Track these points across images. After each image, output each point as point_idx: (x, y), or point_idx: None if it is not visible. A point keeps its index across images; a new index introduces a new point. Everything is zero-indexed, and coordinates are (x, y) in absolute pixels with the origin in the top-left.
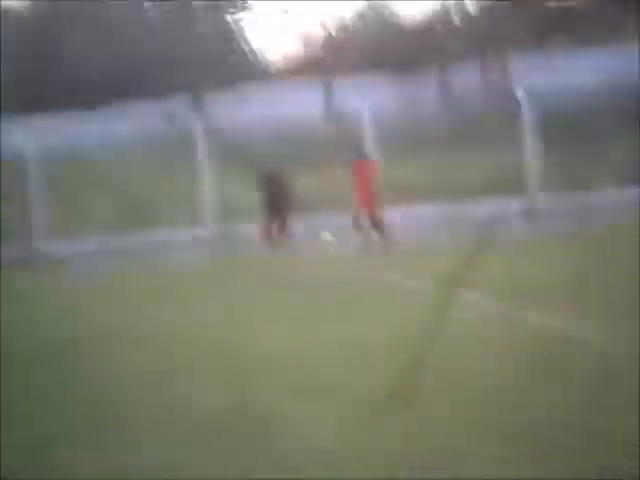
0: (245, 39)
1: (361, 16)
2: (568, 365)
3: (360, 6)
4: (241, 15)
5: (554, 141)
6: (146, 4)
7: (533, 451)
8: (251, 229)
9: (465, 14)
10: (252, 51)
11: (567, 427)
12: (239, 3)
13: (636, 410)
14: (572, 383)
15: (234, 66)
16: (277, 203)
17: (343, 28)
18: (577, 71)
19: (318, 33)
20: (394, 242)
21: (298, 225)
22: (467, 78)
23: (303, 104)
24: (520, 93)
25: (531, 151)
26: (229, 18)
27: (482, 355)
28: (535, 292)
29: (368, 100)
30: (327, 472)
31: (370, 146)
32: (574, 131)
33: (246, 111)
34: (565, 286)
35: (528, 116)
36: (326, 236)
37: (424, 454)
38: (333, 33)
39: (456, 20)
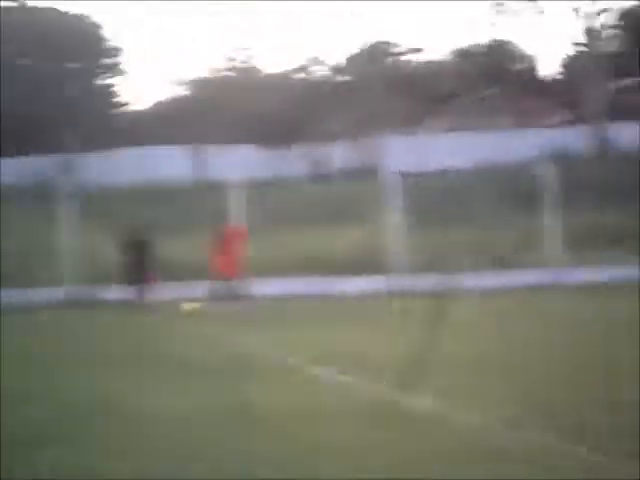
0: (120, 103)
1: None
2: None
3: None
4: (115, 80)
5: (419, 222)
6: (17, 62)
7: None
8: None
9: (342, 92)
10: (128, 114)
11: None
12: (114, 67)
13: None
14: None
15: (106, 129)
16: (139, 267)
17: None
18: (450, 153)
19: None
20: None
21: (164, 290)
22: (342, 154)
23: (175, 169)
24: (389, 172)
25: (394, 231)
26: (103, 82)
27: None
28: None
29: (240, 170)
30: None
31: (239, 215)
32: (442, 212)
33: (116, 174)
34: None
35: (395, 196)
36: (188, 306)
37: None
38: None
39: (331, 96)
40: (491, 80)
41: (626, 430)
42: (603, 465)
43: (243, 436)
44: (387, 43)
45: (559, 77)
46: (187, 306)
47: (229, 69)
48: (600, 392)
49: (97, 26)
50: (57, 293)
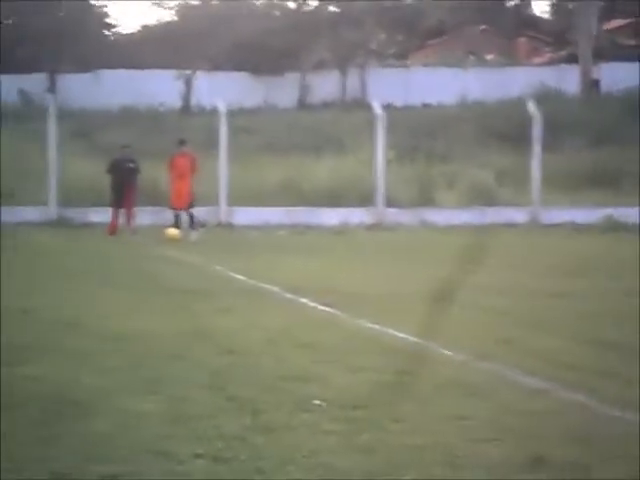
0: (109, 24)
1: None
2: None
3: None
4: (105, 1)
5: (403, 155)
6: None
7: None
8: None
9: (331, 24)
10: (117, 36)
11: None
12: None
13: None
14: None
15: (92, 49)
16: (124, 188)
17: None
18: (436, 88)
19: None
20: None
21: (146, 215)
22: (329, 85)
23: (162, 93)
24: (376, 105)
25: (380, 164)
26: (94, 1)
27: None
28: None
29: (227, 97)
30: None
31: (223, 144)
32: (425, 146)
33: (103, 96)
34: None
35: (382, 129)
36: (171, 231)
37: None
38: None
39: (322, 28)
40: (482, 16)
41: (579, 361)
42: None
43: (201, 351)
44: None
45: (550, 16)
46: (170, 232)
47: None
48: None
49: None
50: (41, 213)
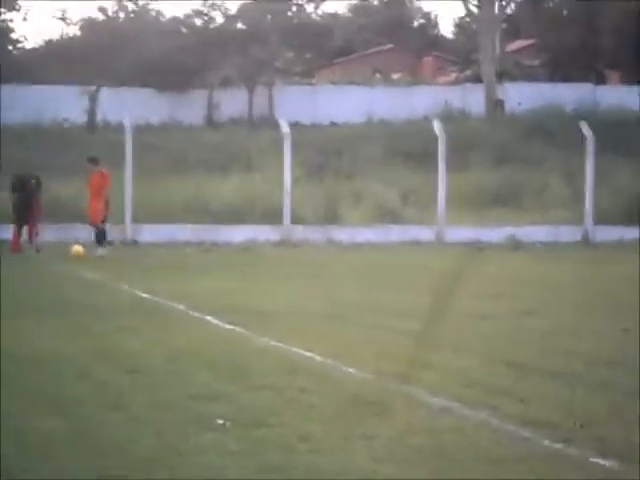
0: (13, 39)
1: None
2: None
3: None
4: (8, 15)
5: (310, 173)
6: None
7: None
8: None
9: (238, 41)
10: (20, 51)
11: None
12: (8, 3)
13: None
14: None
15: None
16: (27, 205)
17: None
18: (342, 106)
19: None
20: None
21: (50, 232)
22: (236, 103)
23: (67, 109)
24: (283, 123)
25: (287, 181)
26: None
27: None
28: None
29: (133, 113)
30: None
31: (129, 160)
32: (331, 164)
33: (6, 111)
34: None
35: (289, 146)
36: (77, 247)
37: None
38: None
39: (229, 45)
40: (388, 35)
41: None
42: None
43: (104, 371)
44: None
45: (455, 36)
46: (75, 249)
47: (124, 11)
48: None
49: None
50: None
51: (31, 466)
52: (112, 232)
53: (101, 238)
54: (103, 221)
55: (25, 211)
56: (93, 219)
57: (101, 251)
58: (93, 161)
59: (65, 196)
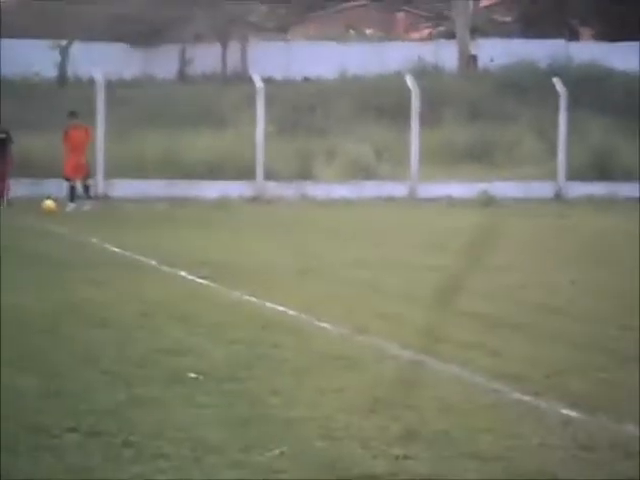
0: None
1: None
2: None
3: None
4: None
5: (282, 129)
6: None
7: None
8: None
9: None
10: None
11: None
12: None
13: None
14: None
15: None
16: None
17: None
18: (315, 62)
19: None
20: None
21: (22, 187)
22: (209, 58)
23: (38, 63)
24: (257, 78)
25: (260, 137)
26: None
27: None
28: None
29: (105, 68)
30: None
31: (100, 115)
32: (304, 120)
33: None
34: None
35: (263, 102)
36: (48, 202)
37: None
38: None
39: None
40: None
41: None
42: None
43: (73, 325)
44: None
45: None
46: (47, 204)
47: None
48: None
49: None
50: None
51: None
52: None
53: (87, 192)
54: (87, 176)
55: None
56: (71, 173)
57: (87, 206)
58: (73, 115)
59: (36, 151)
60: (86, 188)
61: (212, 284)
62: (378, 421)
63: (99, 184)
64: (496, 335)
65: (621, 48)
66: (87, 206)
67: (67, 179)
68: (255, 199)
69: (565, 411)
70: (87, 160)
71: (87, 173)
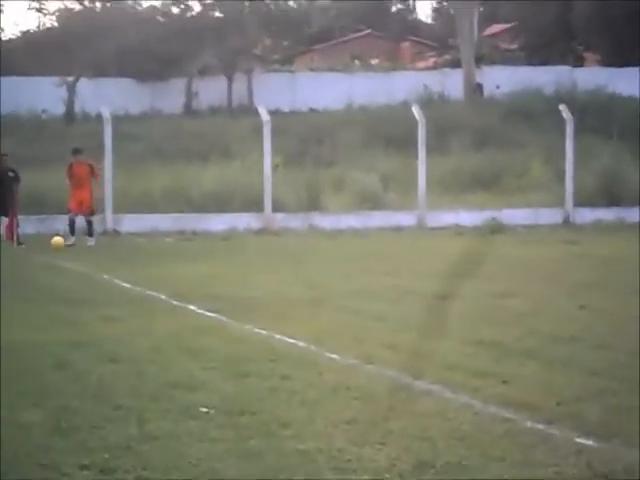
0: None
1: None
2: None
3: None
4: None
5: (290, 161)
6: None
7: None
8: None
9: (216, 29)
10: None
11: None
12: None
13: None
14: None
15: None
16: (5, 197)
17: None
18: (321, 93)
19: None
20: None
21: (29, 224)
22: (215, 91)
23: (45, 101)
24: (263, 110)
25: (268, 169)
26: None
27: None
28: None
29: (112, 103)
30: None
31: (108, 151)
32: (312, 151)
33: None
34: None
35: (269, 134)
36: (58, 239)
37: None
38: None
39: (207, 33)
40: (366, 21)
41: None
42: None
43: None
44: None
45: (433, 20)
46: (56, 241)
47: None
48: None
49: None
50: None
51: (11, 458)
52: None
53: (89, 228)
54: (93, 212)
55: (2, 204)
56: (74, 208)
57: (91, 241)
58: (77, 152)
59: (45, 188)
60: (89, 224)
61: (222, 317)
62: (390, 452)
63: (108, 219)
64: (506, 363)
65: (626, 73)
66: (91, 242)
67: (70, 212)
68: (263, 231)
69: (579, 439)
70: (92, 196)
71: (91, 209)
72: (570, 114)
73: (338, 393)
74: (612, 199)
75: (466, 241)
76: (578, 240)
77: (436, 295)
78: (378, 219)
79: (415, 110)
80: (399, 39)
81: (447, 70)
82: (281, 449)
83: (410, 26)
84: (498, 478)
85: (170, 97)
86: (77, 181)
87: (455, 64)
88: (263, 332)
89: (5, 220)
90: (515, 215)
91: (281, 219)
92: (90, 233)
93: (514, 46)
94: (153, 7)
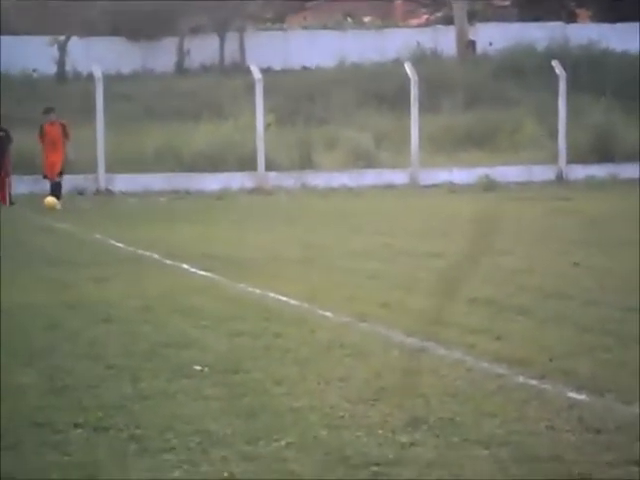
0: None
1: None
2: None
3: None
4: None
5: (287, 119)
6: None
7: None
8: None
9: None
10: None
11: None
12: None
13: None
14: None
15: None
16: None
17: None
18: (313, 51)
19: None
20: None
21: (23, 184)
22: (207, 50)
23: (36, 60)
24: (255, 69)
25: (260, 128)
26: None
27: None
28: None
29: (103, 63)
30: None
31: (100, 110)
32: (304, 110)
33: None
34: None
35: (261, 93)
36: (50, 199)
37: None
38: None
39: None
40: None
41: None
42: None
43: (78, 321)
44: None
45: None
46: (49, 201)
47: None
48: None
49: None
50: None
51: (6, 417)
52: (85, 182)
53: (57, 191)
54: (61, 173)
55: None
56: (49, 173)
57: (58, 205)
58: (48, 111)
59: (37, 148)
60: (57, 185)
61: (214, 276)
62: (383, 409)
63: (100, 179)
64: (500, 320)
65: (619, 29)
66: (58, 205)
67: (46, 178)
68: (256, 190)
69: (571, 394)
70: (64, 159)
71: (61, 171)
72: (563, 70)
73: (331, 351)
74: (605, 156)
75: (459, 199)
76: (571, 197)
77: (429, 254)
78: (371, 177)
79: (408, 67)
80: None
81: (440, 27)
82: (274, 407)
83: None
84: (491, 433)
85: (162, 56)
86: (50, 143)
87: (448, 21)
88: (256, 291)
89: None
90: (508, 172)
91: (274, 178)
92: (58, 196)
93: (506, 2)
94: None
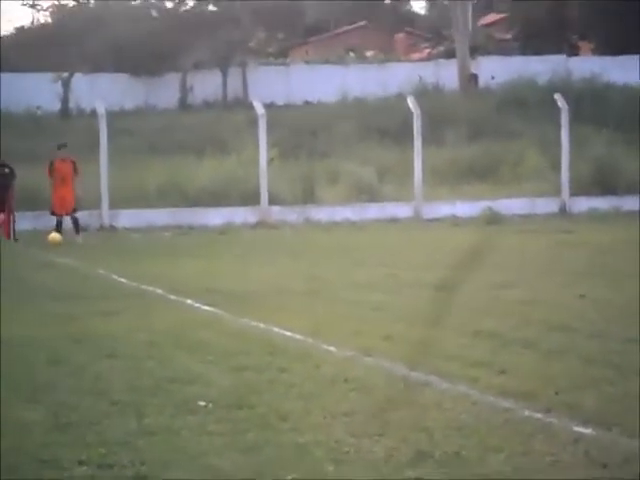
0: None
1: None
2: None
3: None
4: None
5: (291, 153)
6: None
7: None
8: None
9: (210, 23)
10: None
11: None
12: None
13: None
14: None
15: None
16: (3, 196)
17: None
18: (316, 85)
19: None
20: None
21: (27, 220)
22: (210, 85)
23: (40, 97)
24: (257, 104)
25: (263, 163)
26: None
27: None
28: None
29: (106, 99)
30: None
31: (103, 146)
32: (307, 144)
33: None
34: None
35: (264, 128)
36: (54, 235)
37: None
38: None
39: (201, 27)
40: (360, 13)
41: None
42: None
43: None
44: None
45: (427, 12)
46: (53, 236)
47: None
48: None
49: None
50: None
51: (10, 454)
52: (89, 218)
53: (75, 226)
54: (75, 210)
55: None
56: (58, 209)
57: (79, 239)
58: (61, 147)
59: (41, 184)
60: (75, 221)
61: (218, 311)
62: (388, 443)
63: (104, 214)
64: (504, 353)
65: (621, 61)
66: (79, 239)
67: (54, 214)
68: (259, 224)
69: (577, 428)
70: (74, 194)
71: (74, 207)
72: (565, 103)
73: (336, 385)
74: (607, 188)
75: (463, 232)
76: (575, 229)
77: (434, 286)
78: (374, 211)
79: (410, 101)
80: (393, 31)
81: (442, 61)
82: (279, 442)
83: (404, 17)
84: (497, 468)
85: (165, 92)
86: (60, 179)
87: (450, 55)
88: (260, 325)
89: (1, 216)
90: (511, 205)
91: (277, 212)
92: (77, 230)
93: (508, 36)
94: (147, 2)
